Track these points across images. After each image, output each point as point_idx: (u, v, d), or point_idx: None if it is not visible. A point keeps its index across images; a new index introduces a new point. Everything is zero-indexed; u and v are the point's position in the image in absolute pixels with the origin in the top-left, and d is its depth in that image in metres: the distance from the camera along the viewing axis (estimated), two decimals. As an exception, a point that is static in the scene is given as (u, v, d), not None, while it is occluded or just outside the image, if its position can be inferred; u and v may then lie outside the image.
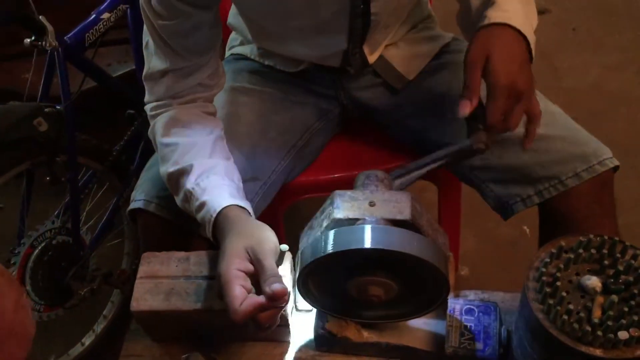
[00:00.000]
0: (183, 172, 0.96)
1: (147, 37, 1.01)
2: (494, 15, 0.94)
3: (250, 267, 0.80)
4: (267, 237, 0.83)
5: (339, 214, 0.80)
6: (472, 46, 0.92)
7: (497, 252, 1.86)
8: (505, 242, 1.87)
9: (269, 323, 0.80)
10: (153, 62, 1.02)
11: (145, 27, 1.00)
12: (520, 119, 0.92)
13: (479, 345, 0.85)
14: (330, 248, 0.76)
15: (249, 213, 0.92)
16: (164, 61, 1.00)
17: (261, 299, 0.76)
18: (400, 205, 0.80)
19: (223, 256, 0.81)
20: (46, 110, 1.34)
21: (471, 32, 0.97)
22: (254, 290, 0.79)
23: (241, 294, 0.76)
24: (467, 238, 1.84)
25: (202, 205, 0.92)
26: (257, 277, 0.80)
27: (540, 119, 0.94)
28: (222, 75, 1.09)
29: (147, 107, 1.06)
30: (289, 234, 0.84)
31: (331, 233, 0.78)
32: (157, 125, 1.03)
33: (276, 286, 0.76)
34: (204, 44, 1.02)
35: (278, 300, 0.77)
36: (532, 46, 0.95)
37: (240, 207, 0.91)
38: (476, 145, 0.90)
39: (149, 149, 1.12)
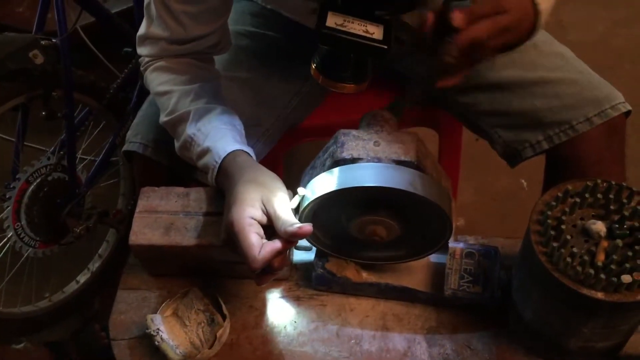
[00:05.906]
0: (181, 119, 0.94)
1: None
2: None
3: (263, 217, 0.78)
4: (279, 187, 0.81)
5: (343, 153, 0.78)
6: None
7: (494, 205, 1.86)
8: (503, 195, 1.87)
9: (281, 267, 0.79)
10: (152, 27, 0.96)
11: None
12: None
13: (478, 289, 0.85)
14: (334, 185, 0.75)
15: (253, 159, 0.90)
16: (164, 30, 0.95)
17: (277, 244, 0.75)
18: (405, 146, 0.79)
19: (235, 203, 0.78)
20: (42, 42, 1.31)
21: None
22: (265, 238, 0.78)
23: (258, 242, 0.75)
24: (465, 190, 1.83)
25: (205, 151, 0.89)
26: (269, 227, 0.78)
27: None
28: (224, 47, 1.04)
29: (140, 60, 1.03)
30: (287, 177, 0.83)
31: (336, 171, 0.76)
32: (151, 75, 1.00)
33: (296, 227, 0.75)
34: (212, 13, 0.96)
35: (297, 238, 0.76)
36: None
37: (246, 152, 0.89)
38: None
39: (147, 89, 1.09)
